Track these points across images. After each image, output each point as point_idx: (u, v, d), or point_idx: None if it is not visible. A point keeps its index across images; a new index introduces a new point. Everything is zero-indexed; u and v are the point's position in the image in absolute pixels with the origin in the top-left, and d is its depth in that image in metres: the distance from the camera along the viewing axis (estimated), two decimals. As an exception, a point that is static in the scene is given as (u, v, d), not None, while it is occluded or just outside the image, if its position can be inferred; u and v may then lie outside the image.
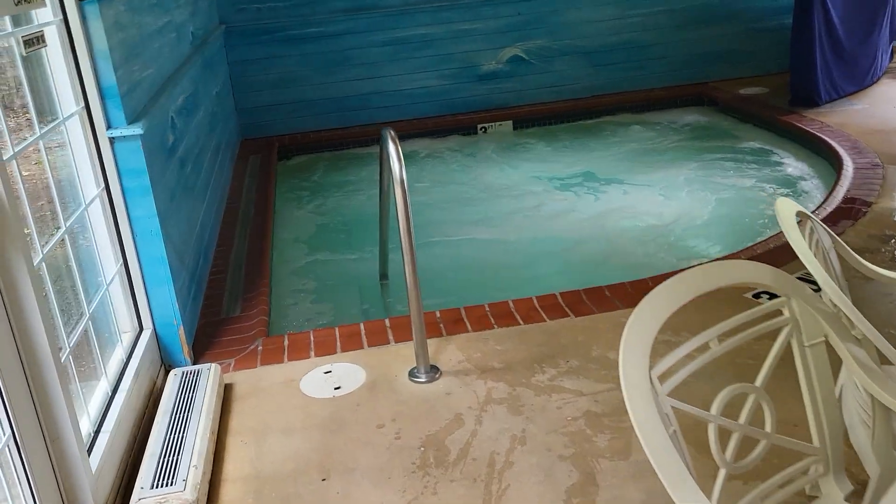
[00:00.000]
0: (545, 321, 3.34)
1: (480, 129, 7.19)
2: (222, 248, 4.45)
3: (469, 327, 3.33)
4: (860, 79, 6.90)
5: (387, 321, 3.44)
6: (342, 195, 5.76)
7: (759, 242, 3.90)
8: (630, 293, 3.52)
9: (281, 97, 7.10)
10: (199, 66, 4.92)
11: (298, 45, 7.01)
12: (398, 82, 7.23)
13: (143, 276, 3.04)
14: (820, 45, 6.35)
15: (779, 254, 3.72)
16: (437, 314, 3.44)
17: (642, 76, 7.66)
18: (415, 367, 2.99)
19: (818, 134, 5.61)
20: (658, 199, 5.19)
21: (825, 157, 5.47)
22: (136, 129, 2.86)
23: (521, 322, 3.34)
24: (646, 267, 4.15)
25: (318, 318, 3.89)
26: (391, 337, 3.31)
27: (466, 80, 7.34)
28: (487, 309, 3.48)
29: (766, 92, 7.26)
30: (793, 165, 5.56)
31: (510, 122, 7.26)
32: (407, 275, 2.82)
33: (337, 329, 3.41)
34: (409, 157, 6.71)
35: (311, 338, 3.35)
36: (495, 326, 3.32)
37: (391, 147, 2.76)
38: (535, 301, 3.51)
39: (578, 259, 4.41)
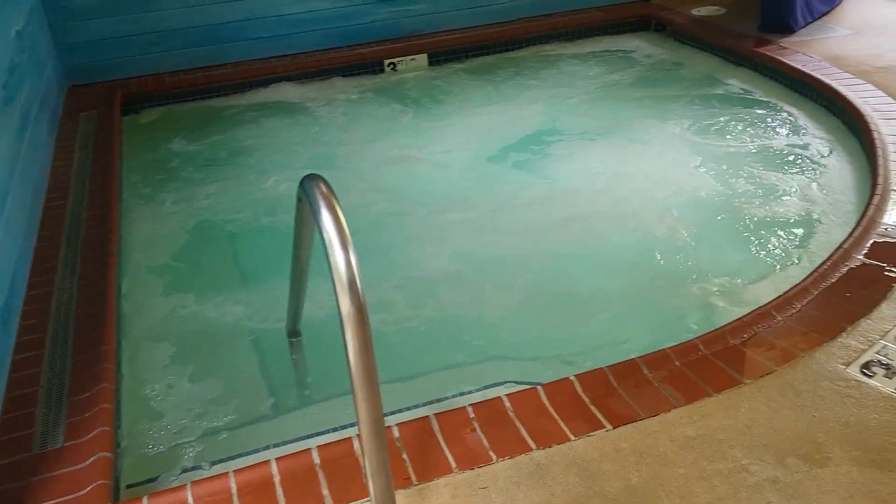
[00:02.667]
0: (569, 439, 2.12)
1: (388, 65, 5.70)
2: (38, 291, 2.93)
3: (452, 461, 2.07)
4: (833, -3, 5.88)
5: (314, 453, 2.12)
6: (218, 177, 4.21)
7: (827, 265, 2.79)
8: (680, 370, 2.35)
9: (122, 27, 5.32)
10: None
11: (140, -46, 5.22)
12: (279, 5, 5.59)
13: None
14: (800, -41, 5.23)
15: (859, 280, 2.65)
16: (396, 433, 2.16)
17: (576, -7, 6.35)
18: (381, 581, 1.73)
19: (821, 78, 4.52)
20: (646, 171, 3.99)
21: (827, 105, 4.44)
22: None
23: (531, 444, 2.11)
24: (674, 303, 2.99)
25: (202, 423, 2.52)
26: (325, 491, 2.01)
27: (367, 2, 5.78)
28: (472, 414, 2.23)
29: (722, 13, 6.13)
30: (793, 119, 4.47)
31: (424, 56, 5.81)
32: (366, 455, 1.51)
33: (232, 477, 2.06)
34: (291, 110, 5.26)
35: (190, 499, 2.00)
36: (494, 458, 2.08)
37: (327, 218, 1.39)
38: (541, 394, 2.28)
39: (564, 282, 3.18)
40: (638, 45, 5.99)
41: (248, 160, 4.35)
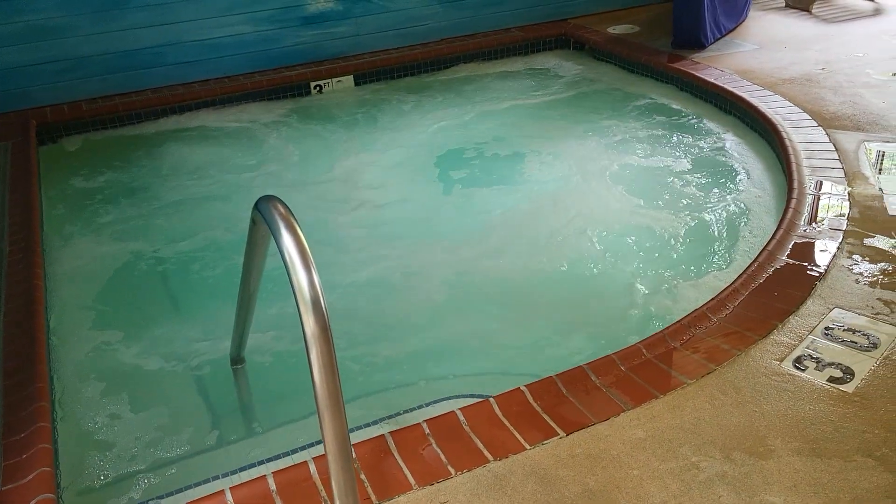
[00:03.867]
0: (525, 448, 2.15)
1: (315, 87, 5.68)
2: (-40, 333, 2.79)
3: (410, 478, 2.07)
4: (738, 14, 6.20)
5: (270, 480, 2.08)
6: (143, 206, 4.10)
7: (754, 267, 2.93)
8: (626, 375, 2.41)
9: (34, 55, 5.14)
10: None
11: (51, -21, 5.06)
12: (200, 30, 5.50)
13: None
14: (709, -21, 5.51)
15: (784, 280, 2.79)
16: (353, 454, 2.14)
17: (497, 14, 6.49)
18: None
19: (733, 90, 4.75)
20: (577, 186, 4.10)
21: (740, 115, 4.67)
22: None
23: (488, 456, 2.13)
24: (613, 310, 3.08)
25: (147, 458, 2.44)
26: (285, 516, 1.98)
27: (289, 25, 5.77)
28: (427, 430, 2.23)
29: (636, 30, 6.37)
30: (709, 128, 4.68)
31: (350, 77, 5.82)
32: (332, 475, 1.50)
33: (186, 510, 2.01)
34: (215, 136, 5.18)
35: (143, 536, 1.94)
36: (452, 472, 2.09)
37: (287, 239, 1.38)
38: (494, 405, 2.31)
39: (507, 300, 3.23)
40: (558, 62, 6.16)
41: (173, 190, 4.25)
